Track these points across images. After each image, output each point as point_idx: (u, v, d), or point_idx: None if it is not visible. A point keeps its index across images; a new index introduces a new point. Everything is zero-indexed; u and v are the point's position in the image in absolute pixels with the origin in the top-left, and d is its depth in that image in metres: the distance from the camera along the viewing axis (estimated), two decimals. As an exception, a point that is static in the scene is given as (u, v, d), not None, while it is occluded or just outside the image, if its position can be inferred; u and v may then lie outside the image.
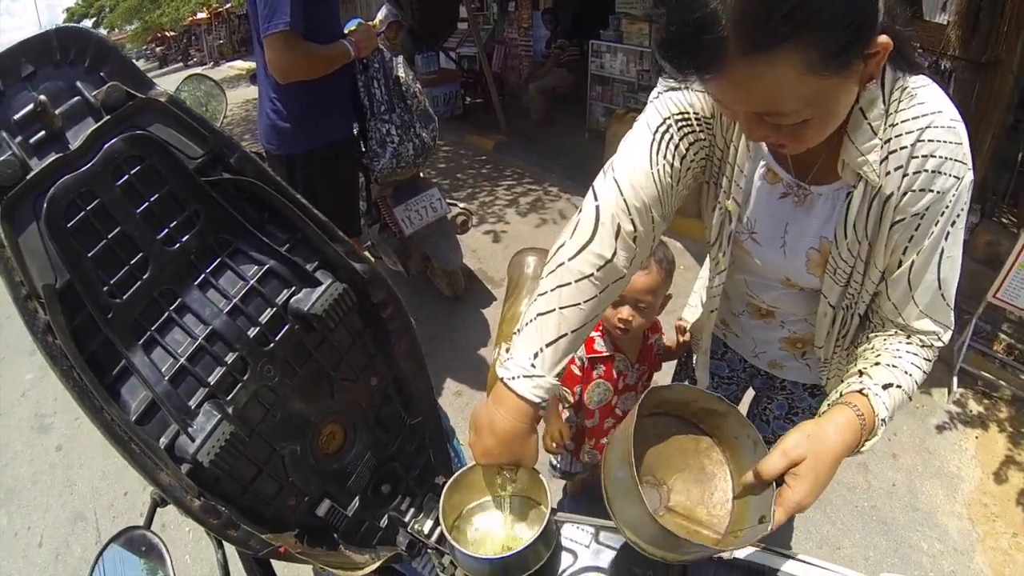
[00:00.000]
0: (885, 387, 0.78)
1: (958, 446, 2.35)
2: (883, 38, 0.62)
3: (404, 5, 7.74)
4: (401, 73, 2.18)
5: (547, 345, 0.78)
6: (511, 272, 1.01)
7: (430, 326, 3.06)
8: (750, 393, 1.45)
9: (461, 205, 2.96)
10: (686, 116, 0.85)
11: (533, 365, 0.77)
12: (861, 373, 0.81)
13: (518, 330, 0.81)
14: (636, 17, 5.02)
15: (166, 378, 0.60)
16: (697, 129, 0.87)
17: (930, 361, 0.85)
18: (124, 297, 0.61)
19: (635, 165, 0.84)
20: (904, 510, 2.10)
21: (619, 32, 5.16)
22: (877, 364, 0.82)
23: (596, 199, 0.85)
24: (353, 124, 2.21)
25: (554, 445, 1.43)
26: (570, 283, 0.81)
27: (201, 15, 19.57)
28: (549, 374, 0.78)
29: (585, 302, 0.81)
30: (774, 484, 0.70)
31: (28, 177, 0.55)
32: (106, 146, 0.60)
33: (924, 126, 0.72)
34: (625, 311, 1.35)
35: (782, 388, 1.26)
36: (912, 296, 0.82)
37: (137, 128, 0.64)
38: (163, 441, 0.59)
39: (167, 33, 26.64)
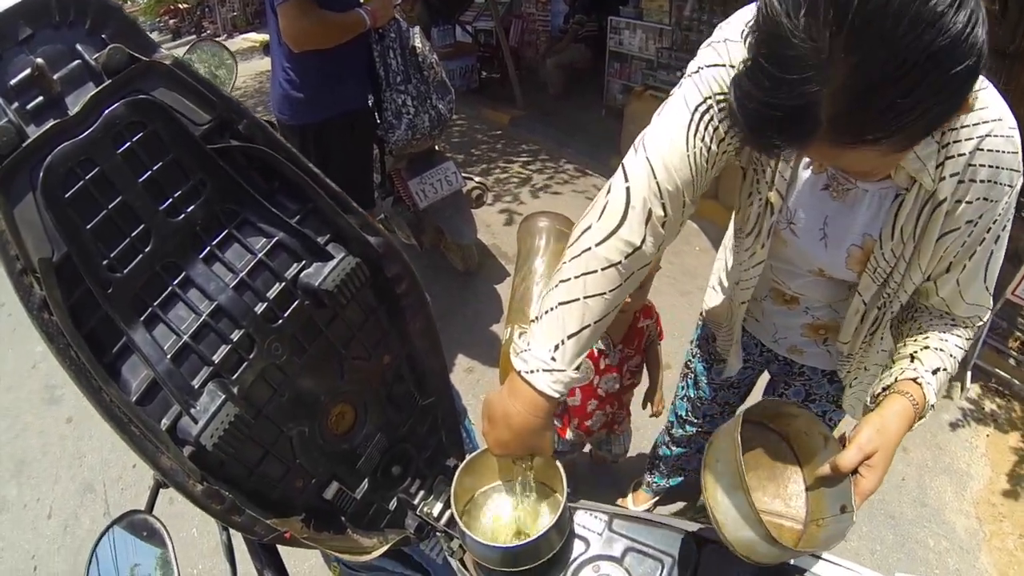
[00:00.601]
0: (935, 372, 0.83)
1: (969, 443, 2.31)
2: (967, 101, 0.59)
3: (421, -24, 7.58)
4: (418, 43, 2.11)
5: (569, 337, 0.74)
6: (521, 239, 0.94)
7: (443, 301, 3.02)
8: (764, 378, 1.43)
9: (476, 179, 2.89)
10: (728, 96, 0.80)
11: (553, 358, 0.74)
12: (912, 357, 0.85)
13: (536, 318, 0.76)
14: (657, -6, 4.88)
15: (168, 356, 0.57)
16: None
17: (971, 339, 0.91)
18: (125, 271, 0.57)
19: (671, 145, 0.78)
20: (912, 505, 2.07)
21: (639, 8, 5.00)
22: (927, 348, 0.86)
23: (627, 179, 0.78)
24: (368, 94, 2.15)
25: None
26: (596, 271, 0.76)
27: (216, -15, 19.26)
28: (569, 367, 0.74)
29: (610, 291, 0.76)
30: (851, 475, 0.75)
31: (24, 144, 0.51)
32: (107, 111, 0.56)
33: (984, 134, 0.70)
34: None
35: (800, 374, 1.25)
36: (960, 293, 0.86)
37: (140, 92, 0.59)
38: (165, 422, 0.56)
39: (180, 5, 26.32)
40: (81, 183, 0.54)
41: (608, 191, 0.80)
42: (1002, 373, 2.49)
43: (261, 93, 8.05)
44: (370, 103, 2.19)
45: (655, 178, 0.77)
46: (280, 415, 0.65)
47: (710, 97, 0.78)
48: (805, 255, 0.94)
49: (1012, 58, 2.99)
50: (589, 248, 0.77)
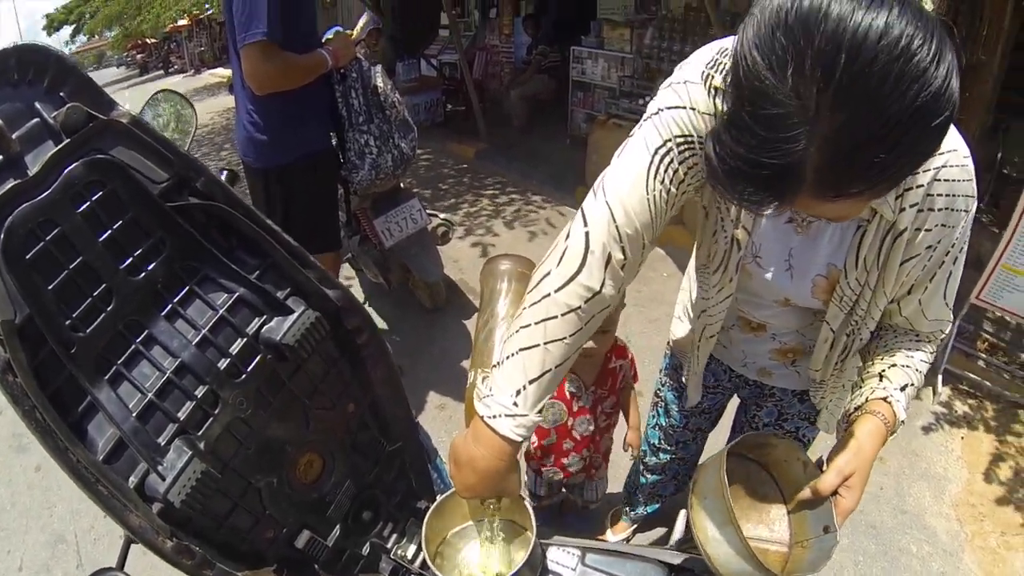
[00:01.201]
0: (903, 389, 0.87)
1: (944, 447, 2.37)
2: None
3: (385, 12, 7.71)
4: (379, 83, 2.15)
5: (530, 382, 0.76)
6: (483, 282, 0.96)
7: (411, 339, 3.04)
8: (734, 401, 1.45)
9: (442, 216, 2.94)
10: (689, 140, 0.79)
11: (515, 403, 0.75)
12: (881, 376, 0.89)
13: (498, 363, 0.78)
14: (617, 23, 5.04)
15: (134, 415, 0.59)
16: (699, 152, 0.81)
17: (934, 352, 0.95)
18: (88, 331, 0.59)
19: (630, 189, 0.79)
20: (892, 513, 2.11)
21: (600, 38, 5.17)
22: (894, 366, 0.90)
23: (586, 224, 0.79)
24: (331, 135, 2.18)
25: None
26: (556, 316, 0.77)
27: (182, 22, 19.36)
28: (532, 412, 0.76)
29: (571, 336, 0.78)
30: (831, 497, 0.80)
31: (-17, 205, 0.53)
32: (66, 171, 0.59)
33: (940, 165, 0.73)
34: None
35: (771, 395, 1.27)
36: (922, 312, 0.90)
37: (98, 151, 0.62)
38: (132, 480, 0.58)
39: (148, 40, 26.37)
40: (42, 244, 0.56)
41: (567, 236, 0.80)
42: (972, 375, 2.58)
43: (228, 130, 8.08)
44: (333, 143, 2.21)
45: (615, 222, 0.78)
46: (247, 467, 0.66)
47: (670, 140, 0.78)
48: (771, 287, 0.95)
49: (965, 72, 3.14)
50: (548, 294, 0.77)
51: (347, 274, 3.64)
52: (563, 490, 1.77)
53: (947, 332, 0.96)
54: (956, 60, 0.51)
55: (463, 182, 5.42)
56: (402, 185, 2.73)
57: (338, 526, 0.78)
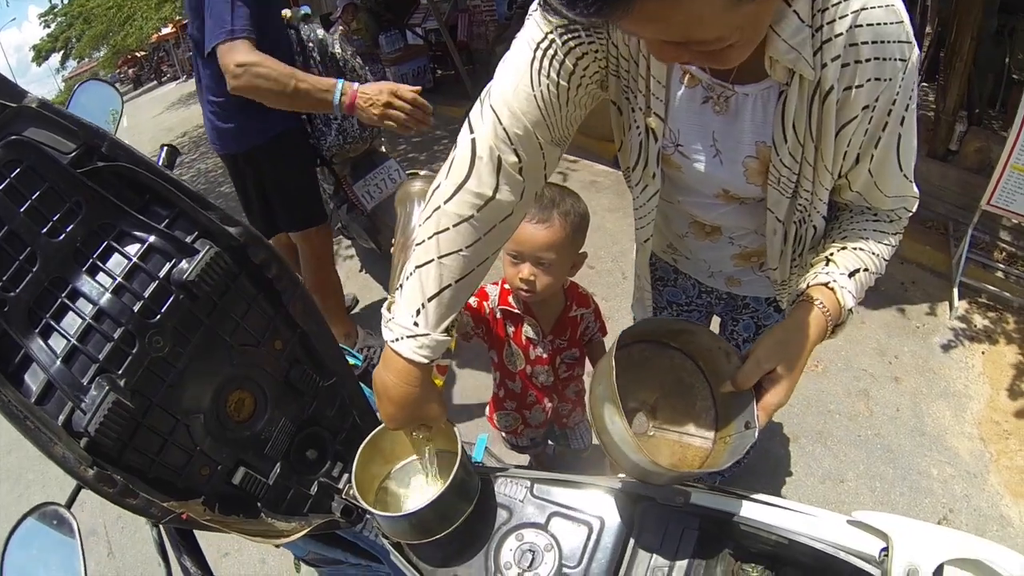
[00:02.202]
0: (851, 274, 0.82)
1: (964, 363, 2.35)
2: None
3: (363, -14, 7.71)
4: (337, 49, 2.21)
5: (429, 299, 0.76)
6: (398, 204, 0.97)
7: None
8: (716, 325, 1.45)
9: (423, 172, 3.00)
10: (571, 27, 0.77)
11: (416, 323, 0.76)
12: (828, 260, 0.85)
13: (400, 286, 0.79)
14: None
15: (59, 359, 0.66)
16: (586, 40, 0.78)
17: (899, 233, 0.90)
18: (17, 290, 0.66)
19: (515, 88, 0.77)
20: (910, 435, 2.11)
21: (581, -17, 5.15)
22: (843, 249, 0.86)
23: (472, 131, 0.78)
24: (293, 115, 2.20)
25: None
26: (448, 228, 0.76)
27: (167, 30, 19.70)
28: (435, 331, 0.76)
29: (467, 247, 0.77)
30: (753, 390, 0.77)
31: (-87, 191, 0.61)
32: None
33: (859, 8, 0.67)
34: (526, 269, 1.24)
35: (745, 307, 1.27)
36: (876, 184, 0.84)
37: (13, 134, 0.69)
38: (61, 417, 0.65)
39: (137, 54, 26.87)
40: None
41: (455, 147, 0.80)
42: (990, 287, 2.54)
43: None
44: (302, 118, 2.26)
45: (501, 124, 0.77)
46: (173, 404, 0.73)
47: (551, 31, 0.76)
48: (704, 177, 0.91)
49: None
50: (439, 206, 0.77)
51: (344, 244, 3.74)
52: (549, 441, 1.79)
53: (912, 209, 0.90)
54: None
55: (456, 142, 5.48)
56: (383, 149, 2.79)
57: (279, 464, 0.84)
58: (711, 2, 0.51)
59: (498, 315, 1.41)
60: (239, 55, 1.63)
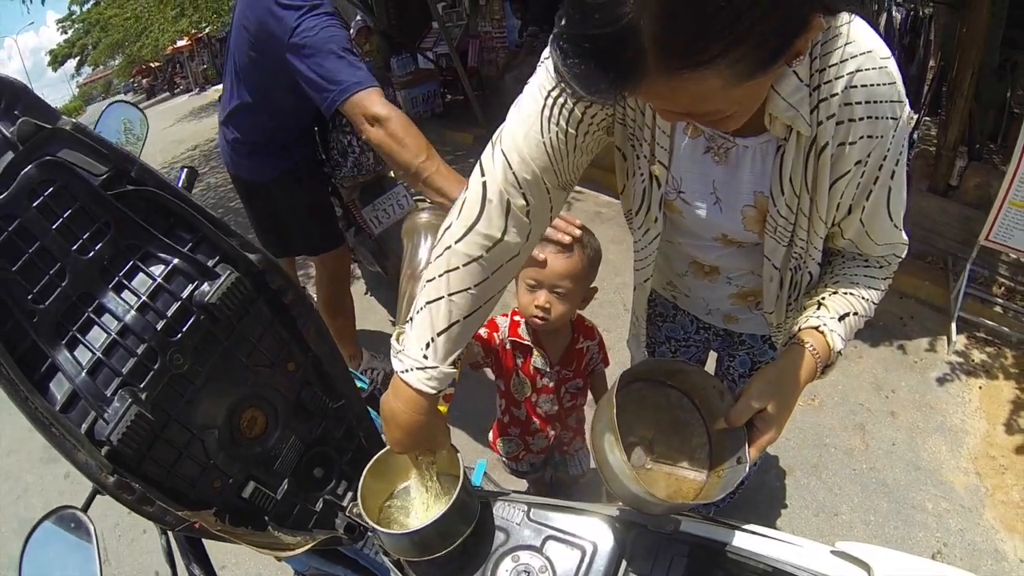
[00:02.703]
0: (841, 318, 0.86)
1: (961, 398, 2.37)
2: (816, 19, 0.57)
3: (377, 10, 7.88)
4: None
5: (438, 334, 0.80)
6: (405, 237, 0.99)
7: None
8: (713, 359, 1.48)
9: (429, 202, 3.06)
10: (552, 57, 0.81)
11: (425, 356, 0.80)
12: (819, 304, 0.89)
13: (409, 319, 0.83)
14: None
15: (84, 371, 0.70)
16: None
17: (889, 278, 0.94)
18: (46, 303, 0.71)
19: (525, 134, 0.81)
20: (906, 470, 2.12)
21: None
22: (835, 293, 0.90)
23: (483, 175, 0.83)
24: (308, 144, 2.26)
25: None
26: (458, 267, 0.80)
27: (182, 43, 20.04)
28: (443, 364, 0.80)
29: (475, 286, 0.81)
30: (744, 427, 0.81)
31: (-46, 208, 0.66)
32: (22, 174, 0.71)
33: (854, 69, 0.70)
34: (542, 296, 1.29)
35: (741, 343, 1.30)
36: (867, 233, 0.88)
37: (47, 155, 0.74)
38: (84, 426, 0.69)
39: (151, 64, 27.31)
40: (5, 234, 0.69)
41: (466, 189, 0.84)
42: (988, 322, 2.57)
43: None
44: (316, 148, 2.32)
45: (511, 169, 0.81)
46: (191, 419, 0.77)
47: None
48: (704, 223, 0.95)
49: (962, 7, 3.14)
50: (450, 246, 0.81)
51: (351, 266, 3.79)
52: (547, 467, 1.82)
53: (901, 256, 0.94)
54: None
55: (465, 167, 5.55)
56: (391, 174, 2.85)
57: (287, 480, 0.88)
58: (712, 83, 0.54)
59: (508, 346, 1.46)
60: (377, 106, 1.55)
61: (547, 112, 0.80)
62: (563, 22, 0.55)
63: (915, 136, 4.25)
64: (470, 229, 0.81)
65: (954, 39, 3.26)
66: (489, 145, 0.85)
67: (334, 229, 2.43)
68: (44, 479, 2.81)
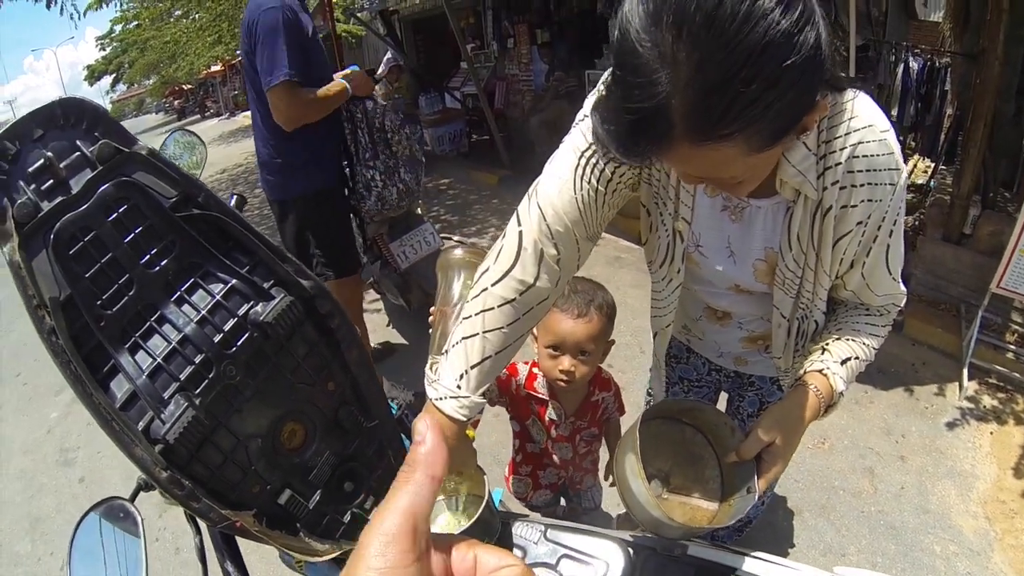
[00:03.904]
0: (844, 362, 0.93)
1: (971, 443, 2.37)
2: (823, 101, 0.66)
3: (408, 49, 8.12)
4: (387, 122, 2.41)
5: (472, 367, 0.87)
6: (439, 272, 1.06)
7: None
8: (724, 399, 1.52)
9: (455, 238, 3.17)
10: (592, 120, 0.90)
11: (459, 386, 0.87)
12: (824, 349, 0.96)
13: (445, 351, 0.90)
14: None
15: (145, 374, 0.76)
16: None
17: (888, 325, 1.01)
18: (114, 309, 0.78)
19: (559, 190, 0.88)
20: (914, 513, 2.12)
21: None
22: (838, 339, 0.97)
23: (519, 224, 0.90)
24: (339, 171, 2.44)
25: None
26: (493, 308, 0.88)
27: (215, 68, 20.69)
28: (474, 394, 0.88)
29: (508, 325, 0.88)
30: (754, 461, 0.88)
31: (39, 215, 0.73)
32: (100, 190, 0.78)
33: (856, 142, 0.78)
34: (566, 361, 1.32)
35: (751, 384, 1.35)
36: (867, 285, 0.95)
37: (124, 175, 0.81)
38: (141, 424, 0.75)
39: (184, 87, 28.16)
40: (81, 243, 0.76)
41: (504, 236, 0.91)
42: (1000, 368, 2.57)
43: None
44: (343, 176, 2.47)
45: (545, 221, 0.88)
46: (238, 427, 0.83)
47: (595, 142, 0.85)
48: (719, 274, 1.02)
49: (978, 58, 3.22)
50: (487, 288, 0.88)
51: (372, 298, 3.89)
52: (561, 500, 1.87)
53: (900, 304, 1.01)
54: (815, 14, 0.58)
55: (489, 207, 5.73)
56: (419, 211, 2.96)
57: (319, 491, 0.92)
58: (730, 153, 0.62)
59: (523, 394, 1.49)
60: (286, 102, 2.02)
61: (580, 171, 0.87)
62: (606, 93, 0.64)
63: (931, 184, 4.30)
64: (506, 274, 0.88)
65: (970, 89, 3.32)
66: (526, 197, 0.92)
67: (354, 258, 2.57)
68: (58, 481, 2.88)
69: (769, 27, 0.54)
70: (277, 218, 2.42)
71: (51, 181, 0.75)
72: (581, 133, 0.88)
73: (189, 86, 28.14)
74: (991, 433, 2.41)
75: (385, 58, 6.66)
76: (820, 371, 0.92)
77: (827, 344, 0.96)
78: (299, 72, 2.04)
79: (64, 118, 0.81)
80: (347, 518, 0.98)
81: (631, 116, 0.61)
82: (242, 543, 0.93)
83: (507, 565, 0.29)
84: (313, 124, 2.20)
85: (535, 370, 1.48)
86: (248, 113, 2.76)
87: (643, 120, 0.60)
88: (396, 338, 3.52)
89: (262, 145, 2.28)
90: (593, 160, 0.87)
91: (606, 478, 1.75)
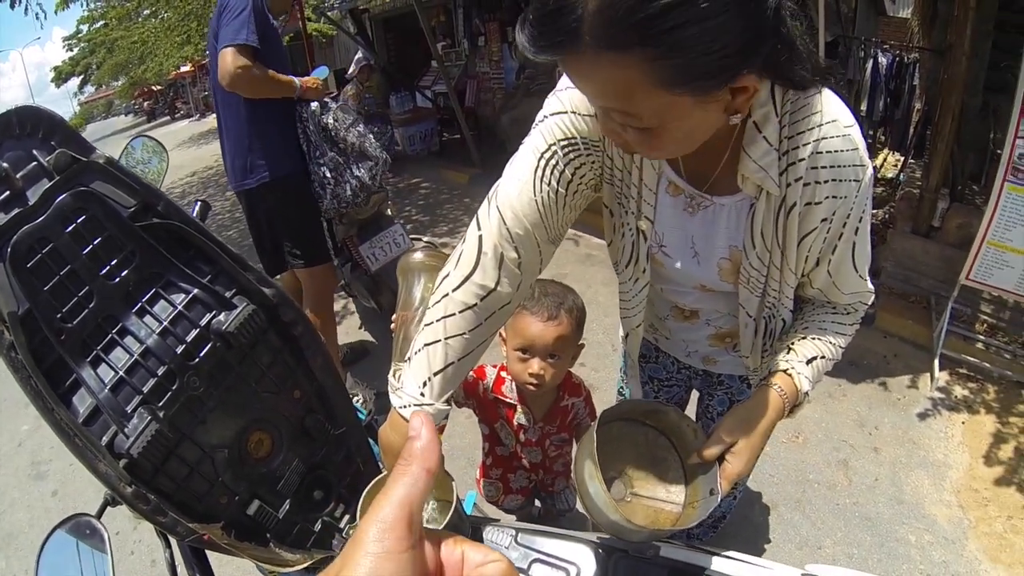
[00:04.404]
0: (809, 362, 0.93)
1: (944, 433, 2.43)
2: (752, 78, 0.65)
3: (378, 48, 8.08)
4: (329, 120, 2.43)
5: (435, 374, 0.87)
6: (399, 276, 1.06)
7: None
8: (695, 398, 1.54)
9: (425, 239, 3.18)
10: (572, 141, 0.88)
11: (422, 394, 0.87)
12: (789, 348, 0.96)
13: (408, 359, 0.90)
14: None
15: (107, 387, 0.76)
16: (584, 152, 0.90)
17: (856, 323, 1.02)
18: (74, 323, 0.77)
19: (519, 192, 0.88)
20: (889, 504, 2.17)
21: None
22: (804, 338, 0.97)
23: (479, 228, 0.89)
24: (298, 162, 2.47)
25: None
26: (454, 314, 0.87)
27: (185, 68, 20.35)
28: (438, 401, 0.87)
29: (470, 331, 0.88)
30: (717, 462, 0.88)
31: (-4, 228, 0.72)
32: (57, 201, 0.78)
33: (819, 137, 0.78)
34: (536, 364, 1.33)
35: (720, 383, 1.37)
36: (834, 283, 0.95)
37: (81, 185, 0.81)
38: (105, 439, 0.74)
39: (153, 88, 27.68)
40: (39, 255, 0.75)
41: (463, 241, 0.91)
42: (970, 359, 2.65)
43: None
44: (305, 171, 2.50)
45: (505, 224, 0.87)
46: (203, 438, 0.82)
47: (554, 144, 0.87)
48: (683, 273, 1.02)
49: (945, 53, 3.31)
50: (447, 294, 0.88)
51: (343, 301, 3.87)
52: (536, 502, 1.88)
53: (868, 302, 1.01)
54: None
55: (460, 206, 5.75)
56: (388, 212, 2.96)
57: (288, 501, 0.92)
58: (631, 75, 0.62)
59: (490, 397, 1.50)
60: (234, 61, 2.08)
61: (540, 173, 0.87)
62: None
63: (900, 178, 4.40)
64: (466, 279, 0.88)
65: (938, 84, 3.41)
66: (486, 200, 0.91)
67: (323, 246, 2.61)
68: (31, 495, 2.83)
69: None
70: (247, 212, 2.48)
71: (7, 192, 0.75)
72: (541, 134, 0.89)
73: (159, 87, 27.67)
74: (963, 423, 2.47)
75: (356, 58, 6.61)
76: (785, 371, 0.92)
77: (793, 343, 0.97)
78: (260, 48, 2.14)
79: (20, 127, 0.80)
80: (318, 527, 0.98)
81: (544, 7, 0.62)
82: (216, 555, 0.92)
83: (492, 560, 0.31)
84: (279, 111, 2.30)
85: (503, 374, 1.49)
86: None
87: (555, 11, 0.61)
88: (368, 340, 3.51)
89: (224, 140, 2.37)
90: (553, 161, 0.87)
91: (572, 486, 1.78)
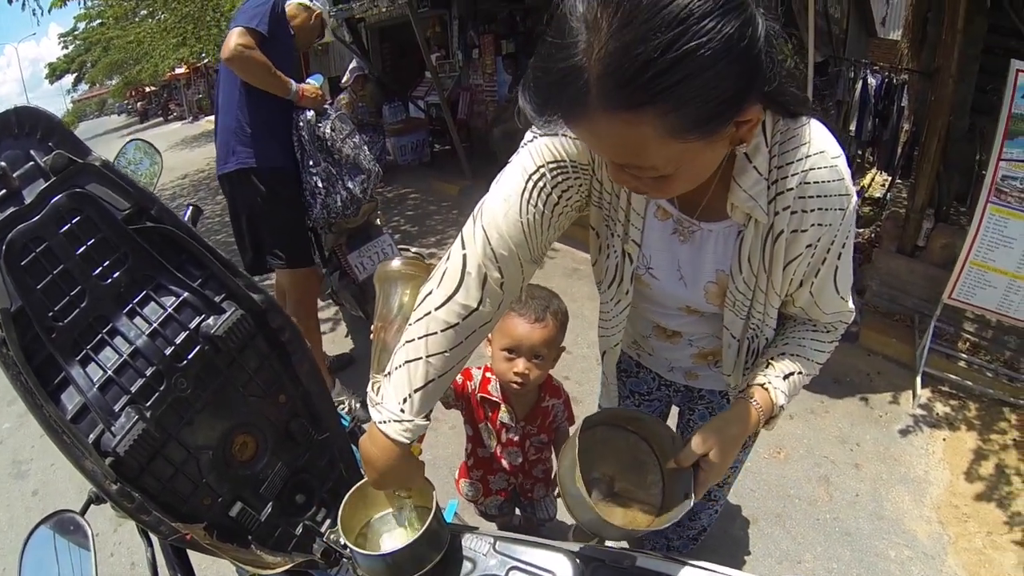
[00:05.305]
0: (786, 377, 0.96)
1: (925, 450, 2.47)
2: (755, 108, 0.67)
3: (373, 57, 8.13)
4: (326, 131, 2.45)
5: (415, 391, 0.88)
6: (377, 286, 1.07)
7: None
8: (675, 413, 1.56)
9: (413, 250, 3.21)
10: (561, 164, 0.89)
11: (402, 410, 0.88)
12: (768, 364, 0.99)
13: (387, 373, 0.90)
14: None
15: (96, 386, 0.78)
16: (572, 175, 0.91)
17: (835, 341, 1.05)
18: (65, 321, 0.79)
19: (505, 213, 0.88)
20: (869, 519, 2.20)
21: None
22: (783, 354, 1.00)
23: (464, 247, 0.89)
24: (290, 161, 2.50)
25: None
26: (436, 332, 0.88)
27: (180, 70, 20.36)
28: (418, 417, 0.89)
29: (451, 349, 0.89)
30: (692, 468, 0.92)
31: (-10, 227, 0.74)
32: (52, 201, 0.80)
33: (807, 168, 0.81)
34: (521, 364, 1.39)
35: (701, 398, 1.39)
36: (816, 304, 0.98)
37: (77, 187, 0.83)
38: (92, 437, 0.76)
39: (147, 88, 27.65)
40: (33, 254, 0.77)
41: (448, 258, 0.91)
42: (952, 376, 2.69)
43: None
44: (295, 172, 2.53)
45: (490, 244, 0.88)
46: (188, 440, 0.84)
47: (543, 165, 0.88)
48: (669, 295, 1.04)
49: (933, 75, 3.38)
50: (430, 312, 0.89)
51: (331, 309, 3.89)
52: (516, 510, 1.91)
53: (848, 321, 1.04)
54: (748, 11, 0.60)
55: (449, 218, 5.80)
56: (377, 222, 2.99)
57: (271, 504, 0.94)
58: (645, 131, 0.62)
59: (477, 398, 1.56)
60: (239, 39, 2.18)
61: (527, 195, 0.88)
62: (536, 57, 0.66)
63: (887, 197, 4.48)
64: (449, 298, 0.89)
65: (926, 105, 3.48)
66: (471, 218, 0.92)
67: (306, 249, 2.64)
68: (11, 494, 2.81)
69: (690, 2, 0.56)
70: (230, 202, 2.51)
71: (3, 191, 0.77)
72: (530, 155, 0.90)
73: (153, 88, 27.66)
74: (944, 439, 2.51)
75: (350, 67, 6.66)
76: (762, 385, 0.95)
77: (772, 358, 1.00)
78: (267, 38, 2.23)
79: (19, 127, 0.82)
80: (299, 530, 1.00)
81: (549, 76, 0.63)
82: (199, 556, 0.94)
83: None
84: (277, 107, 2.36)
85: (488, 374, 1.55)
86: (211, 118, 2.87)
87: (560, 80, 0.61)
88: (355, 348, 3.53)
89: (236, 114, 2.38)
90: (541, 183, 0.89)
91: (552, 490, 1.81)
